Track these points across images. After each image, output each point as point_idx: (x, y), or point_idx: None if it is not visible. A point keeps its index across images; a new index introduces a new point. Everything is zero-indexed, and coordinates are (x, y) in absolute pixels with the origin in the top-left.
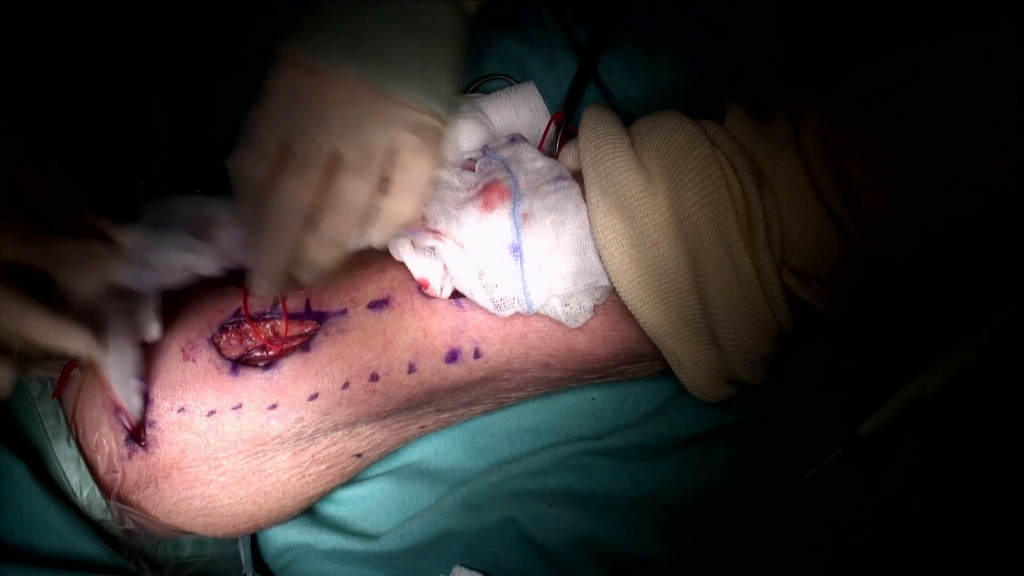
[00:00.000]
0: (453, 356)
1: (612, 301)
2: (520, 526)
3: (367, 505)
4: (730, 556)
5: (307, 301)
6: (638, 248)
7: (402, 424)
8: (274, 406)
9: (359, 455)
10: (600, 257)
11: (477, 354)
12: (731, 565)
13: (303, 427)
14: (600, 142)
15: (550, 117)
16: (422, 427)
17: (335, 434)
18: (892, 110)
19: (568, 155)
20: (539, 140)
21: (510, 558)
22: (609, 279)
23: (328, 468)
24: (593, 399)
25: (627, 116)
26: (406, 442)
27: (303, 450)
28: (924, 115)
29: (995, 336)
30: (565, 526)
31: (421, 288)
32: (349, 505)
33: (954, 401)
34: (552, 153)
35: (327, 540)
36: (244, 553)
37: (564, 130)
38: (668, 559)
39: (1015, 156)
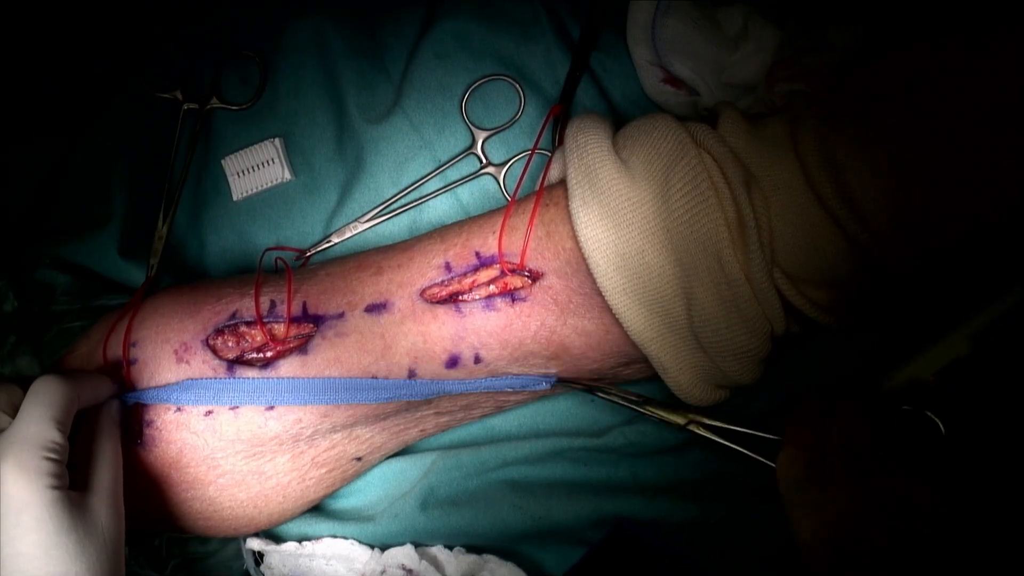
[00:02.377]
0: (453, 362)
1: (606, 305)
2: (513, 502)
3: (363, 488)
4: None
5: (304, 304)
6: (622, 256)
7: (401, 427)
8: (272, 407)
9: (359, 458)
10: (586, 264)
11: (477, 359)
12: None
13: (301, 428)
14: (583, 151)
15: (549, 110)
16: (422, 430)
17: (334, 436)
18: (892, 110)
19: (556, 163)
20: (537, 133)
21: (503, 526)
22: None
23: (328, 472)
24: (593, 401)
25: (626, 117)
26: (406, 445)
27: (302, 452)
28: (924, 115)
29: (990, 326)
30: (558, 497)
31: (422, 294)
32: (347, 494)
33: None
34: (550, 147)
35: (324, 528)
36: (246, 548)
37: (562, 122)
38: (669, 527)
39: (1015, 156)
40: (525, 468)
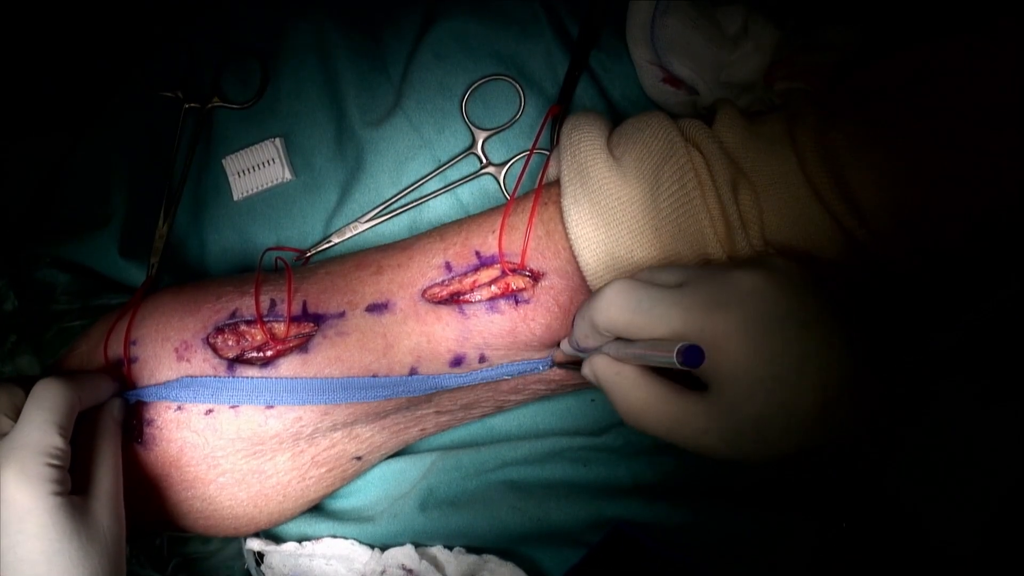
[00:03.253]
0: (458, 362)
1: None
2: (512, 503)
3: (362, 489)
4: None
5: (304, 303)
6: (612, 256)
7: (401, 426)
8: (272, 405)
9: (359, 457)
10: (577, 264)
11: (482, 359)
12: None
13: (301, 426)
14: (576, 148)
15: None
16: (422, 430)
17: (334, 435)
18: (892, 109)
19: (555, 162)
20: (536, 133)
21: (502, 527)
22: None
23: (328, 471)
24: (593, 400)
25: (625, 117)
26: (406, 445)
27: (302, 451)
28: (924, 115)
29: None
30: (557, 499)
31: (423, 294)
32: (346, 494)
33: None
34: (548, 146)
35: (324, 528)
36: (247, 548)
37: (560, 122)
38: (667, 529)
39: (1015, 156)
40: (524, 468)
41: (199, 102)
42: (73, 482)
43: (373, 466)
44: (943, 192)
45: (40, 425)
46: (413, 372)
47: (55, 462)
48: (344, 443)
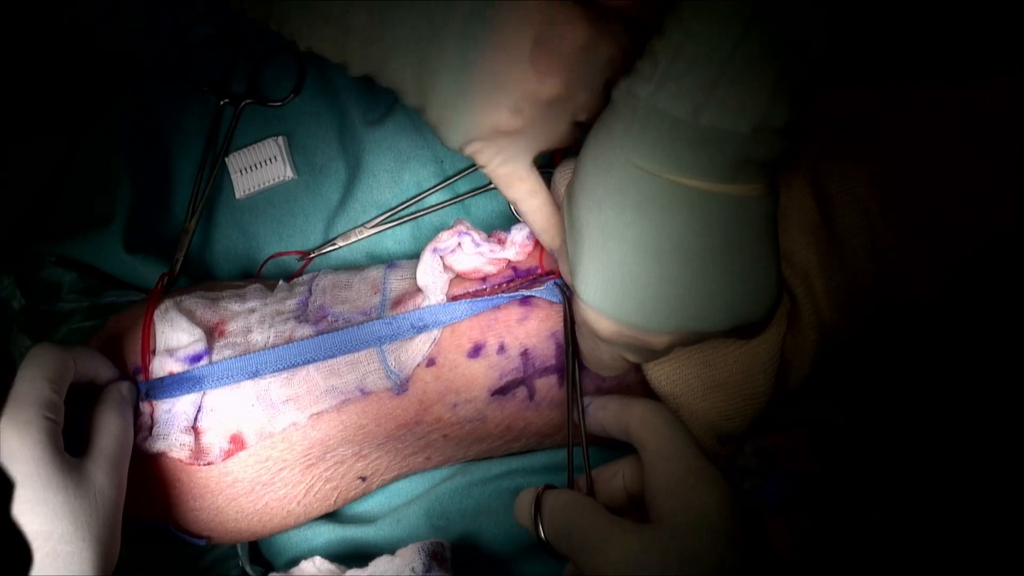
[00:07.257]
0: (476, 351)
1: None
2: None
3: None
4: None
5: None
6: None
7: (409, 450)
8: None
9: (363, 478)
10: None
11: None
12: None
13: (312, 441)
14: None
15: None
16: (427, 458)
17: (342, 451)
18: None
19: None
20: None
21: (508, 536)
22: None
23: (334, 488)
24: None
25: None
26: (411, 471)
27: (312, 466)
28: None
29: None
30: None
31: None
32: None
33: None
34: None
35: (324, 532)
36: (242, 546)
37: None
38: None
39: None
40: (533, 477)
41: (233, 100)
42: (78, 447)
43: (375, 491)
44: (947, 236)
45: (31, 378)
46: (431, 362)
47: (46, 412)
48: (351, 461)
